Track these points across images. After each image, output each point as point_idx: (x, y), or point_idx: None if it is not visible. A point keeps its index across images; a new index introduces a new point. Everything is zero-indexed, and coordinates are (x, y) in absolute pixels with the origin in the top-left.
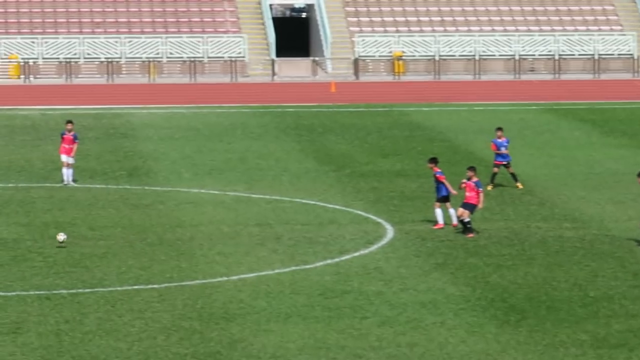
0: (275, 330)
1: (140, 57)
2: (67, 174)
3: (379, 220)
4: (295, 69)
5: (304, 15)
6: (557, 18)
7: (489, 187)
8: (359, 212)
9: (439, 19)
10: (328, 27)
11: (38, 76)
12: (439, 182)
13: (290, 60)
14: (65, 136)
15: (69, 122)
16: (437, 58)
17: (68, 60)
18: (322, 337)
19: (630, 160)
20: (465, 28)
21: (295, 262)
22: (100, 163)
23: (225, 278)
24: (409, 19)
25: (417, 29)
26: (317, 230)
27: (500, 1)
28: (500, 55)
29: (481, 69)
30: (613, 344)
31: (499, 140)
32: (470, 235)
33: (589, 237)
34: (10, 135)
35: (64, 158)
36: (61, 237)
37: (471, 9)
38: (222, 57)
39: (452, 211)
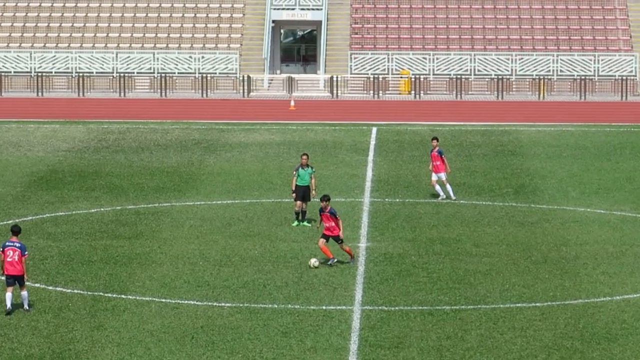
0: None
1: (531, 75)
2: (450, 190)
3: None
4: None
5: None
6: None
7: None
8: None
9: None
10: None
11: (428, 92)
12: None
13: None
14: (432, 153)
15: (434, 139)
16: None
17: (459, 76)
18: None
19: None
20: None
21: None
22: (487, 180)
23: (609, 298)
24: None
25: None
26: None
27: None
28: None
29: None
30: None
31: None
32: None
33: None
34: (399, 150)
35: (434, 177)
36: (315, 262)
37: None
38: (613, 76)
39: None
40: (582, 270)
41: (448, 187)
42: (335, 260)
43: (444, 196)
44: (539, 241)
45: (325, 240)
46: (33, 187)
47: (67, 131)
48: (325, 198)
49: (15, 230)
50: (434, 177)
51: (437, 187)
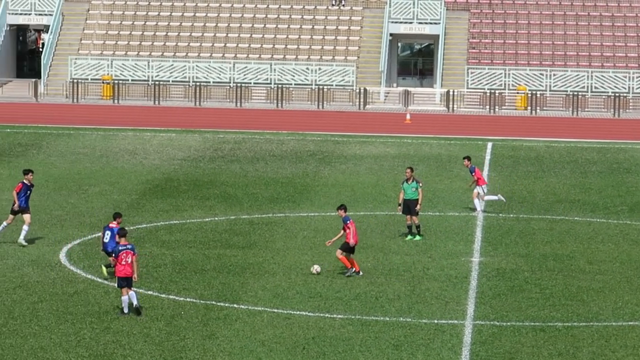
0: None
1: None
2: (478, 204)
3: None
4: None
5: None
6: None
7: None
8: None
9: None
10: None
11: (545, 108)
12: None
13: None
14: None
15: (466, 158)
16: None
17: (575, 93)
18: None
19: None
20: None
21: None
22: (602, 197)
23: None
24: None
25: None
26: None
27: None
28: None
29: None
30: None
31: None
32: None
33: None
34: (514, 165)
35: (479, 189)
36: (317, 268)
37: None
38: None
39: None
40: None
41: (483, 198)
42: (359, 273)
43: (480, 210)
44: None
45: (348, 254)
46: (148, 195)
47: (183, 140)
48: (338, 207)
49: (123, 234)
50: (479, 189)
51: (476, 201)
